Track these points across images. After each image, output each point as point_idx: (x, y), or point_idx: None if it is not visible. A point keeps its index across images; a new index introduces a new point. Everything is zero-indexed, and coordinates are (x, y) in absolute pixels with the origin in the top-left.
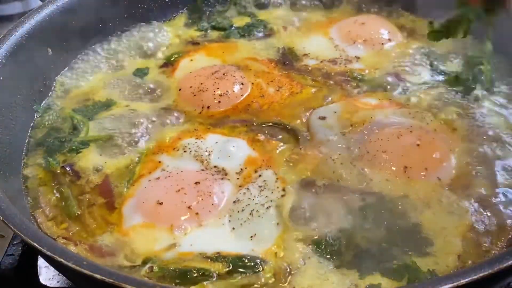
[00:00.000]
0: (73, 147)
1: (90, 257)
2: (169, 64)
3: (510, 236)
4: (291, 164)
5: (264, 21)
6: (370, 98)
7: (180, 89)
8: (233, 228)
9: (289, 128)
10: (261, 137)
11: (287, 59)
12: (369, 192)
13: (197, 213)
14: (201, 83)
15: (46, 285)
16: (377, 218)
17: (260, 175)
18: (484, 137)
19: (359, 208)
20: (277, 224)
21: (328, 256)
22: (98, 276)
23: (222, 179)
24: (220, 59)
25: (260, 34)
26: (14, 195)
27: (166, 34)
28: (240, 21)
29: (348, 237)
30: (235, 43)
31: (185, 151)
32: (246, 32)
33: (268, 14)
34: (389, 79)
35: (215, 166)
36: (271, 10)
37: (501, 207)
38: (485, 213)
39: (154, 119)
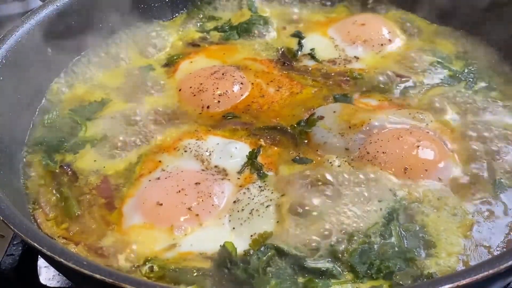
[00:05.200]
0: (72, 147)
1: (90, 257)
2: (170, 64)
3: (510, 236)
4: (291, 165)
5: (264, 17)
6: (369, 99)
7: (180, 90)
8: (233, 228)
9: (288, 131)
10: (263, 142)
11: (287, 59)
12: (369, 194)
13: (197, 214)
14: (201, 83)
15: (46, 285)
16: (378, 221)
17: (260, 175)
18: (484, 137)
19: (360, 209)
20: (277, 222)
21: (329, 258)
22: (98, 276)
23: (222, 179)
24: (220, 61)
25: (260, 32)
26: (14, 195)
27: (166, 35)
28: (240, 17)
29: (349, 240)
30: (235, 45)
31: (185, 151)
32: (245, 30)
33: (268, 11)
34: (389, 79)
35: (215, 166)
36: (271, 7)
37: (502, 207)
38: (485, 213)
39: (154, 119)
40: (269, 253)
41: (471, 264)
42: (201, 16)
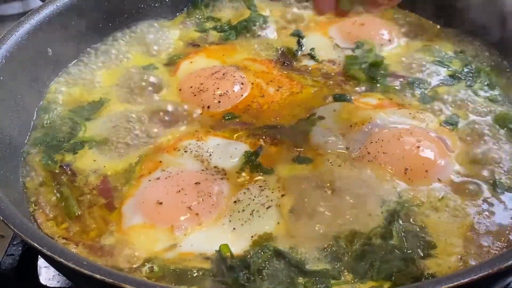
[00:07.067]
0: (72, 147)
1: (90, 257)
2: (171, 64)
3: (510, 236)
4: (291, 165)
5: (264, 17)
6: (370, 98)
7: (180, 90)
8: (234, 229)
9: (289, 129)
10: (262, 142)
11: (287, 59)
12: (370, 195)
13: (197, 214)
14: (201, 83)
15: (46, 285)
16: (379, 222)
17: (260, 175)
18: (484, 137)
19: (361, 211)
20: (278, 223)
21: (329, 259)
22: (98, 276)
23: (222, 179)
24: (220, 61)
25: (259, 32)
26: (14, 195)
27: (167, 34)
28: (240, 17)
29: (350, 241)
30: (235, 45)
31: (185, 151)
32: (245, 30)
33: (268, 11)
34: (389, 79)
35: (215, 167)
36: (272, 7)
37: (502, 207)
38: (485, 214)
39: (154, 119)
40: (267, 255)
41: (471, 264)
42: (201, 16)
